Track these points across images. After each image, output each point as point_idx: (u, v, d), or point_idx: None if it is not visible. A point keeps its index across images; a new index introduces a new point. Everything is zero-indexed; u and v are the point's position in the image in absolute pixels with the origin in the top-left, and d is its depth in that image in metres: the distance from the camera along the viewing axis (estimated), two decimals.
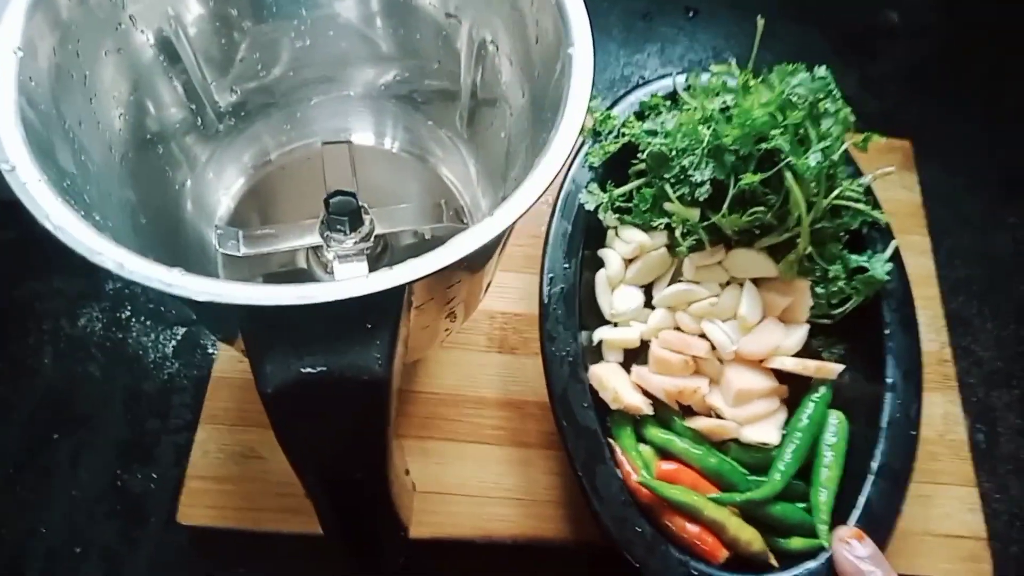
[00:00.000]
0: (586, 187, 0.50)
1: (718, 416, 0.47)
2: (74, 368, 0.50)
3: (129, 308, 0.52)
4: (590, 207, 0.50)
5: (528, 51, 0.36)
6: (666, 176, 0.48)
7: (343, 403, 0.26)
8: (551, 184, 0.29)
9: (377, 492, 0.30)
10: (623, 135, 0.50)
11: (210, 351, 0.51)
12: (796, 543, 0.44)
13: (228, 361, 0.48)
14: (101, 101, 0.35)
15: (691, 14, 0.70)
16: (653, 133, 0.50)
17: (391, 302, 0.27)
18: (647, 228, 0.50)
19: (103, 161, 0.35)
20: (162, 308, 0.52)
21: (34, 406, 0.49)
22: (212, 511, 0.44)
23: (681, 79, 0.54)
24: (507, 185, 0.38)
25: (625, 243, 0.50)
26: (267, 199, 0.47)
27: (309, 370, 0.25)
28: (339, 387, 0.26)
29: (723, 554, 0.43)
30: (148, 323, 0.51)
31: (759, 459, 0.46)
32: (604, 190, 0.50)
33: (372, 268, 0.43)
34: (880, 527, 0.43)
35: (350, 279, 0.25)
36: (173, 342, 0.51)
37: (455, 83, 0.42)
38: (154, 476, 0.47)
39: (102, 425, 0.48)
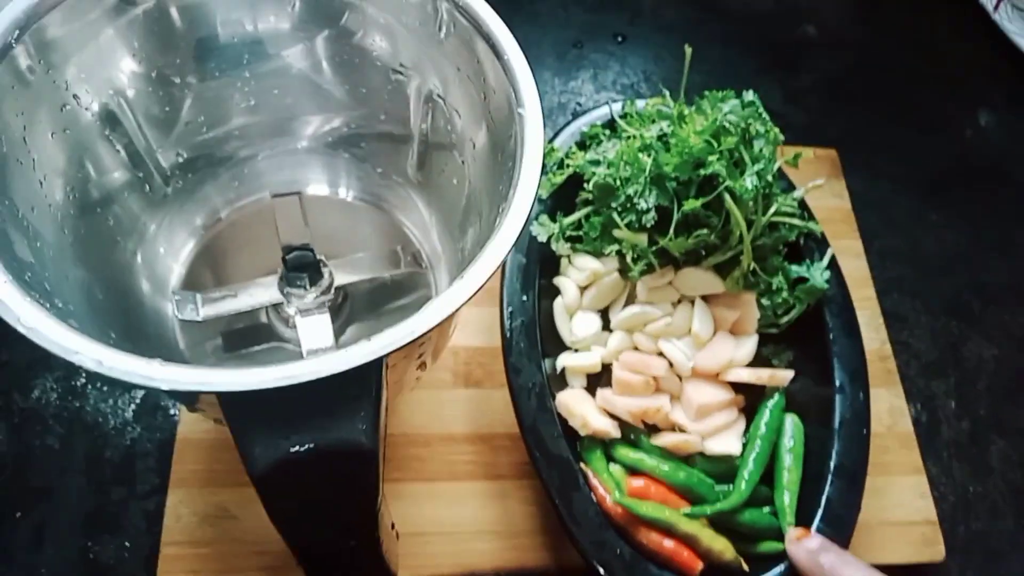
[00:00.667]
0: (536, 219, 0.52)
1: (682, 431, 0.49)
2: (31, 442, 0.48)
3: (83, 375, 0.51)
4: (542, 239, 0.51)
5: (477, 105, 0.37)
6: (613, 205, 0.49)
7: (333, 477, 0.27)
8: (516, 241, 0.30)
9: (368, 554, 0.31)
10: (567, 166, 0.52)
11: (171, 413, 0.50)
12: (765, 547, 0.46)
13: (191, 423, 0.48)
14: (50, 181, 0.35)
15: (620, 39, 0.72)
16: (596, 163, 0.51)
17: (371, 371, 0.27)
18: (598, 255, 0.52)
19: (56, 243, 0.34)
20: None
21: None
22: None
23: (617, 107, 0.56)
24: (466, 235, 0.39)
25: (579, 271, 0.52)
26: (220, 257, 0.47)
27: (297, 448, 0.26)
28: (328, 462, 0.26)
29: (699, 566, 0.44)
30: (104, 389, 0.50)
31: (724, 468, 0.48)
32: (554, 220, 0.52)
33: (334, 319, 0.44)
34: (842, 524, 0.46)
35: (330, 356, 0.26)
36: (132, 406, 0.50)
37: (405, 131, 0.43)
38: (126, 545, 0.46)
39: (66, 497, 0.47)
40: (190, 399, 0.35)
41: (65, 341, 0.25)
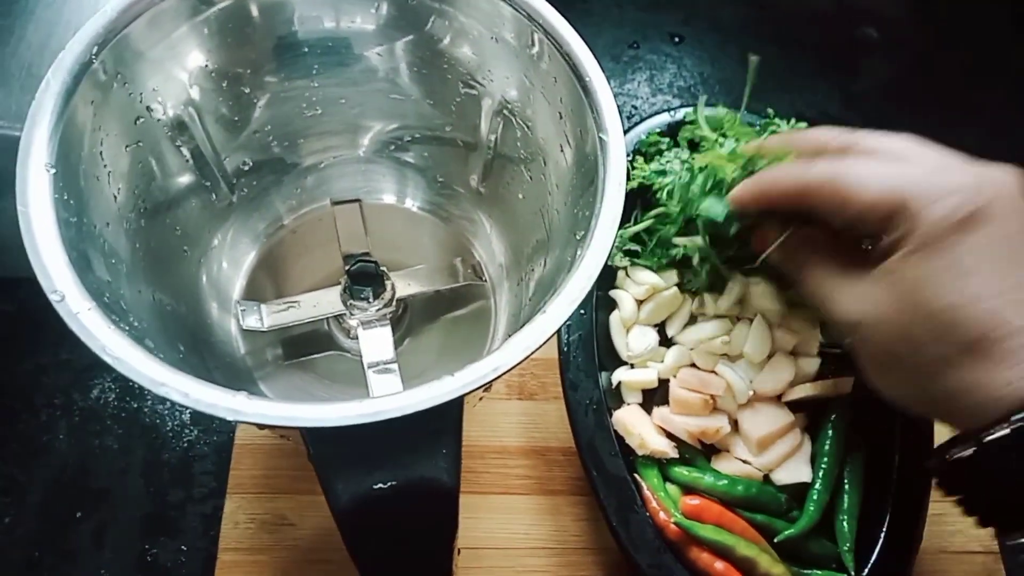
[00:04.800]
0: None
1: (745, 462, 0.48)
2: (90, 442, 0.49)
3: None
4: (640, 227, 0.50)
5: (553, 123, 0.36)
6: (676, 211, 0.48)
7: (413, 513, 0.27)
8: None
9: None
10: (633, 177, 0.51)
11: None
12: (818, 574, 0.45)
13: (249, 428, 0.48)
14: (123, 196, 0.35)
15: (676, 40, 0.70)
16: (662, 173, 0.50)
17: (453, 407, 0.27)
18: (657, 268, 0.51)
19: (129, 259, 0.34)
20: None
21: (51, 484, 0.48)
22: None
23: (678, 114, 0.54)
24: (537, 256, 0.38)
25: (637, 284, 0.51)
26: (281, 265, 0.47)
27: (380, 485, 0.26)
28: (409, 499, 0.26)
29: None
30: None
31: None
32: None
33: (394, 330, 0.44)
34: (903, 553, 0.45)
35: (416, 391, 0.25)
36: (189, 409, 0.50)
37: (472, 140, 0.43)
38: (183, 548, 0.47)
39: (124, 499, 0.48)
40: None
41: (150, 372, 0.25)
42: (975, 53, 0.74)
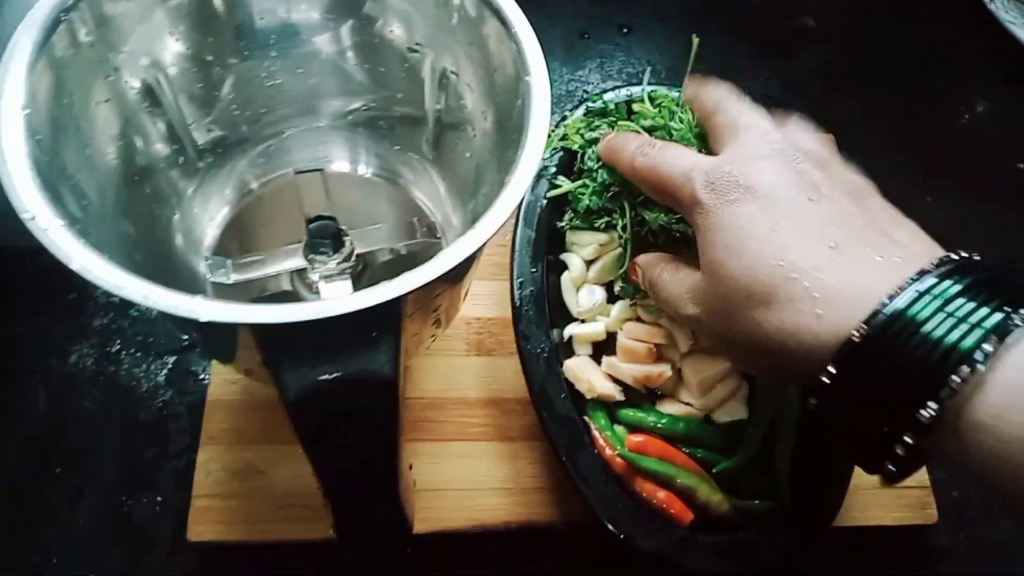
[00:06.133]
0: (555, 178, 0.54)
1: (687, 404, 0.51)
2: (69, 405, 0.52)
3: (119, 342, 0.54)
4: (562, 191, 0.53)
5: (488, 79, 0.39)
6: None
7: (358, 403, 0.30)
8: (523, 197, 0.32)
9: (389, 485, 0.33)
10: (567, 137, 0.54)
11: (201, 377, 0.53)
12: (757, 504, 0.48)
13: (221, 385, 0.51)
14: (94, 147, 0.38)
15: (625, 31, 0.75)
16: (594, 141, 0.54)
17: (391, 312, 0.30)
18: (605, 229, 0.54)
19: (99, 203, 0.37)
20: (150, 339, 0.54)
21: (32, 445, 0.50)
22: (219, 527, 0.47)
23: (624, 92, 0.58)
24: (477, 201, 0.41)
25: (581, 246, 0.54)
26: (249, 227, 0.50)
27: (325, 376, 0.29)
28: (353, 389, 0.29)
29: (689, 517, 0.47)
30: (138, 355, 0.54)
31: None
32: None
33: (355, 286, 0.47)
34: (836, 482, 0.48)
35: (355, 294, 0.28)
36: (164, 371, 0.53)
37: (420, 110, 0.46)
38: (159, 500, 0.49)
39: (102, 458, 0.50)
40: (227, 341, 0.38)
41: (113, 278, 0.28)
42: (908, 40, 0.78)
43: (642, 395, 0.52)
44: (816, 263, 0.32)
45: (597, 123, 0.54)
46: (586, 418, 0.49)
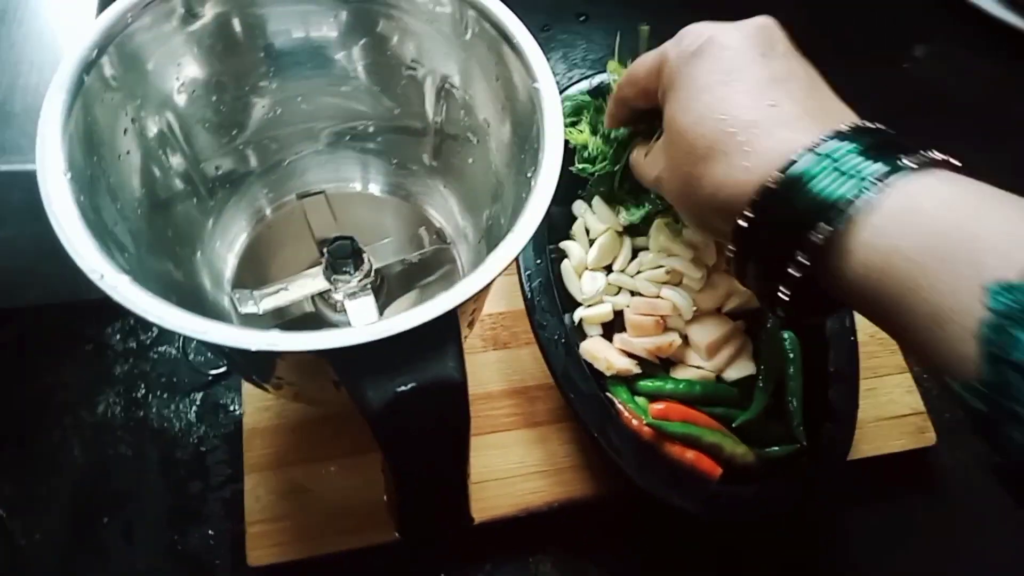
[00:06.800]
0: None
1: (699, 368, 0.54)
2: (104, 452, 0.52)
3: (143, 386, 0.55)
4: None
5: (490, 89, 0.42)
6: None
7: (432, 409, 0.32)
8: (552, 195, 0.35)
9: (459, 483, 0.36)
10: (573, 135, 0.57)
11: (231, 408, 0.54)
12: (777, 450, 0.52)
13: (255, 414, 0.52)
14: (123, 199, 0.39)
15: (583, 19, 0.77)
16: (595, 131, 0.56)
17: (451, 319, 0.32)
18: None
19: (135, 252, 0.38)
20: (174, 379, 0.55)
21: (73, 495, 0.51)
22: (277, 549, 0.48)
23: (595, 80, 0.61)
24: (500, 204, 0.43)
25: (594, 226, 0.57)
26: (260, 256, 0.51)
27: (402, 388, 0.31)
28: (428, 396, 0.31)
29: (718, 471, 0.50)
30: (165, 396, 0.54)
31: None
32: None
33: (377, 300, 0.49)
34: (846, 420, 0.52)
35: (419, 308, 0.31)
36: (193, 408, 0.54)
37: (421, 124, 0.48)
38: (210, 532, 0.50)
39: (147, 498, 0.51)
40: (265, 367, 0.39)
41: (190, 323, 0.30)
42: (845, 27, 0.82)
43: (656, 365, 0.55)
44: (753, 118, 0.34)
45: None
46: (608, 394, 0.52)
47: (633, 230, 0.57)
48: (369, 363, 0.31)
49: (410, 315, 0.31)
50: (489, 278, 0.32)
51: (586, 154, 0.54)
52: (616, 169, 0.53)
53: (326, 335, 0.30)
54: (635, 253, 0.58)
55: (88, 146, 0.36)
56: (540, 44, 0.39)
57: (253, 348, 0.30)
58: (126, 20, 0.37)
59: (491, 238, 0.45)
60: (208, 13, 0.40)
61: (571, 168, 0.56)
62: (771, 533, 0.54)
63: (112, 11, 0.37)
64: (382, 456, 0.34)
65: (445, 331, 0.32)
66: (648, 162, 0.45)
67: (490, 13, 0.39)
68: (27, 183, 0.45)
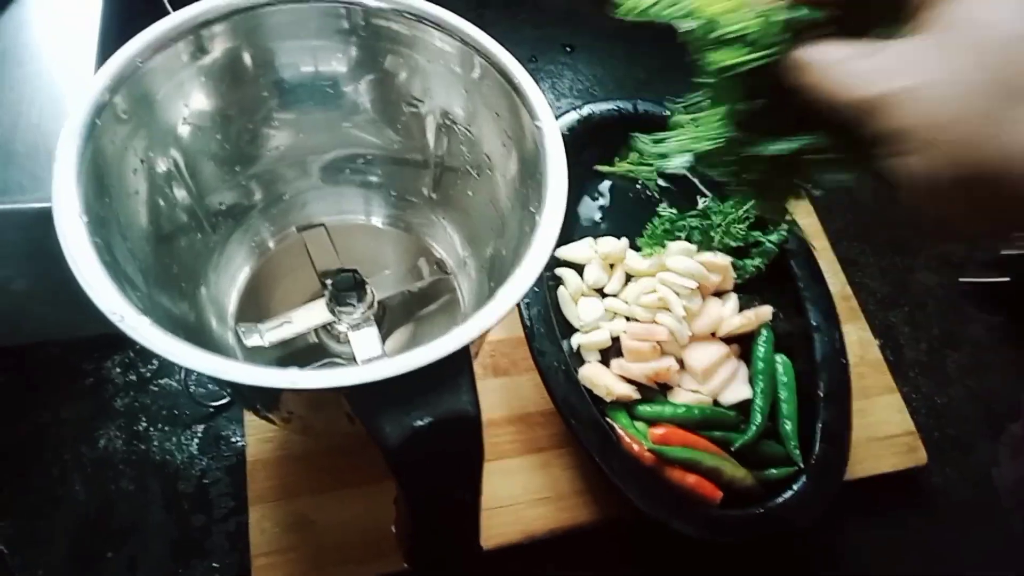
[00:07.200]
0: None
1: (695, 392, 0.55)
2: (107, 487, 0.52)
3: (144, 419, 0.55)
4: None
5: (493, 125, 0.43)
6: None
7: (448, 442, 0.32)
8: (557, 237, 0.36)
9: (472, 512, 0.36)
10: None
11: (234, 440, 0.54)
12: (775, 472, 0.53)
13: (257, 445, 0.52)
14: (132, 237, 0.39)
15: (569, 50, 0.79)
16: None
17: (464, 353, 0.33)
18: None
19: (146, 292, 0.39)
20: (175, 412, 0.55)
21: (76, 530, 0.51)
22: None
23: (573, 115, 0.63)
24: (499, 240, 0.44)
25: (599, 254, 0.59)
26: (261, 290, 0.52)
27: (419, 423, 0.31)
28: (444, 430, 0.32)
29: (719, 495, 0.51)
30: (166, 429, 0.54)
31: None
32: None
33: (379, 330, 0.49)
34: (840, 441, 0.53)
35: (434, 343, 0.31)
36: (195, 440, 0.54)
37: (420, 156, 0.49)
38: (214, 565, 0.50)
39: (150, 532, 0.51)
40: (277, 402, 0.40)
41: (211, 363, 0.30)
42: None
43: (653, 390, 0.56)
44: None
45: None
46: (608, 420, 0.53)
47: None
48: (386, 398, 0.32)
49: (427, 350, 0.31)
50: (503, 312, 0.33)
51: (725, 32, 0.29)
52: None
53: (345, 372, 0.30)
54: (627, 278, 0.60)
55: (100, 187, 0.36)
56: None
57: (277, 387, 0.30)
58: (136, 64, 0.38)
59: (493, 270, 0.46)
60: (218, 49, 0.41)
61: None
62: (771, 554, 0.55)
63: (123, 54, 0.37)
64: (396, 487, 0.34)
65: (459, 365, 0.33)
66: (868, 69, 0.25)
67: (490, 53, 0.40)
68: (23, 222, 0.46)
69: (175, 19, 0.38)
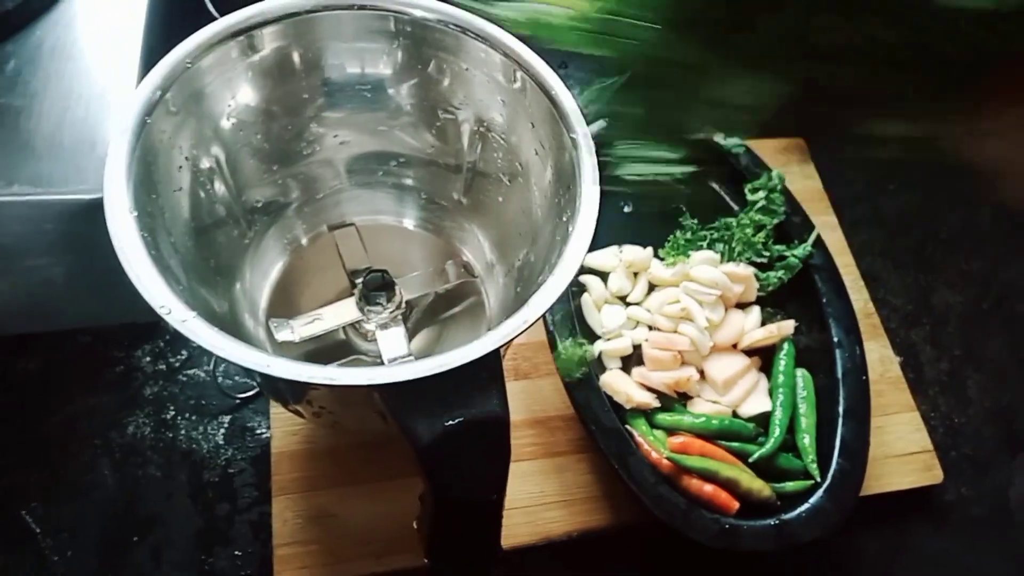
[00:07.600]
0: None
1: (714, 403, 0.56)
2: (134, 473, 0.53)
3: (172, 408, 0.56)
4: None
5: (530, 134, 0.43)
6: None
7: (478, 441, 0.33)
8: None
9: (498, 511, 0.37)
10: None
11: (259, 431, 0.55)
12: (794, 485, 0.53)
13: (283, 438, 0.53)
14: (175, 233, 0.40)
15: (564, 68, 0.80)
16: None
17: (496, 356, 0.34)
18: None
19: (188, 287, 0.40)
20: (203, 402, 0.56)
21: (104, 516, 0.52)
22: (304, 571, 0.49)
23: None
24: (530, 246, 0.45)
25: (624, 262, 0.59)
26: (291, 286, 0.53)
27: (450, 423, 0.32)
28: (474, 431, 0.33)
29: (735, 506, 0.52)
30: (193, 418, 0.56)
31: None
32: None
33: (406, 329, 0.50)
34: (857, 457, 0.54)
35: (469, 345, 0.32)
36: (222, 431, 0.55)
37: (454, 161, 0.50)
38: (237, 554, 0.52)
39: (175, 519, 0.52)
40: (302, 393, 0.41)
41: (250, 356, 0.31)
42: None
43: (672, 399, 0.56)
44: None
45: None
46: (627, 427, 0.54)
47: None
48: (420, 398, 0.33)
49: (463, 351, 0.32)
50: (535, 317, 0.34)
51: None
52: None
53: (382, 371, 0.31)
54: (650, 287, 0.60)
55: (149, 183, 0.37)
56: None
57: (315, 382, 0.31)
58: (185, 65, 0.39)
59: (521, 276, 0.47)
60: (268, 47, 0.42)
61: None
62: (785, 566, 0.55)
63: (174, 55, 0.39)
64: (424, 485, 0.35)
65: (491, 368, 0.34)
66: None
67: (530, 66, 0.41)
68: (66, 213, 0.47)
69: (227, 22, 0.40)
